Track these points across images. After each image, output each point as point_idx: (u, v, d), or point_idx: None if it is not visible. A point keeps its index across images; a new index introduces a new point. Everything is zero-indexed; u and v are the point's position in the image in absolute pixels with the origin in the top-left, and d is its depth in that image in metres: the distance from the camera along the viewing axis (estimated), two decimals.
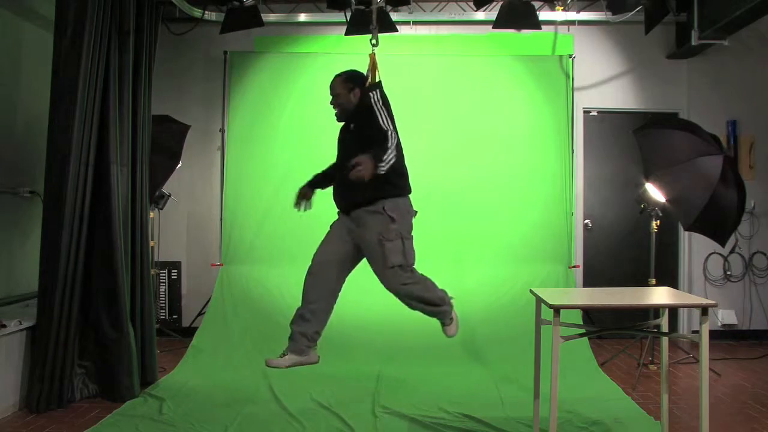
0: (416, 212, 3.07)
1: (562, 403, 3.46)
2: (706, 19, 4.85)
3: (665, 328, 2.91)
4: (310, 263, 3.08)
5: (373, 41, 3.24)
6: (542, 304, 2.69)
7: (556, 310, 2.45)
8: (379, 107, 2.94)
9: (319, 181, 3.29)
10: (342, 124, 3.20)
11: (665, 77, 5.62)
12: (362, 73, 3.17)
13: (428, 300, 3.04)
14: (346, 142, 3.13)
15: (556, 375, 2.45)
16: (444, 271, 4.99)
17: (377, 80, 3.12)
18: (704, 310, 2.49)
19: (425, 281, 3.06)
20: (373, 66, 3.13)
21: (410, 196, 3.07)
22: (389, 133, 2.84)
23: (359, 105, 3.05)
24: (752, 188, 5.06)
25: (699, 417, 2.53)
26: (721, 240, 4.04)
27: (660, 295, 2.84)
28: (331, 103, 3.16)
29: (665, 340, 2.97)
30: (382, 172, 2.72)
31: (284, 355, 3.06)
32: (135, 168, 4.05)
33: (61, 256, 3.53)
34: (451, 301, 3.16)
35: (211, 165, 5.63)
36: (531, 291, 2.91)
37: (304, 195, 3.26)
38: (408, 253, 2.94)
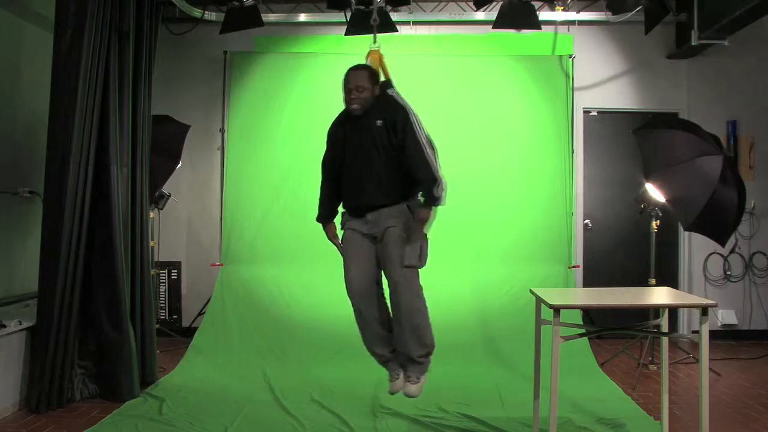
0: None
1: (562, 403, 3.46)
2: (706, 19, 4.85)
3: (665, 328, 2.91)
4: (350, 295, 2.94)
5: (374, 41, 3.24)
6: (542, 304, 2.69)
7: (556, 310, 2.45)
8: (416, 121, 2.88)
9: (330, 211, 3.15)
10: (344, 117, 3.04)
11: (665, 77, 5.61)
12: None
13: (422, 327, 2.88)
14: (368, 138, 2.92)
15: (557, 375, 2.44)
16: (443, 271, 5.02)
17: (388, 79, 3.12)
18: (704, 310, 2.48)
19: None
20: (381, 62, 3.11)
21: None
22: (433, 157, 2.87)
23: (382, 101, 2.96)
24: (752, 188, 5.06)
25: (699, 417, 2.53)
26: (721, 240, 4.04)
27: (659, 295, 2.84)
28: (351, 97, 2.91)
29: (665, 340, 2.97)
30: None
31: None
32: (135, 168, 4.05)
33: (61, 256, 3.53)
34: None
35: (211, 165, 5.62)
36: (531, 291, 2.91)
37: (334, 235, 3.12)
38: (423, 256, 2.89)
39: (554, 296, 2.68)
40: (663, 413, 2.98)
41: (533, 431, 3.10)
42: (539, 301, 2.78)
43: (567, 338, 2.56)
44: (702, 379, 2.47)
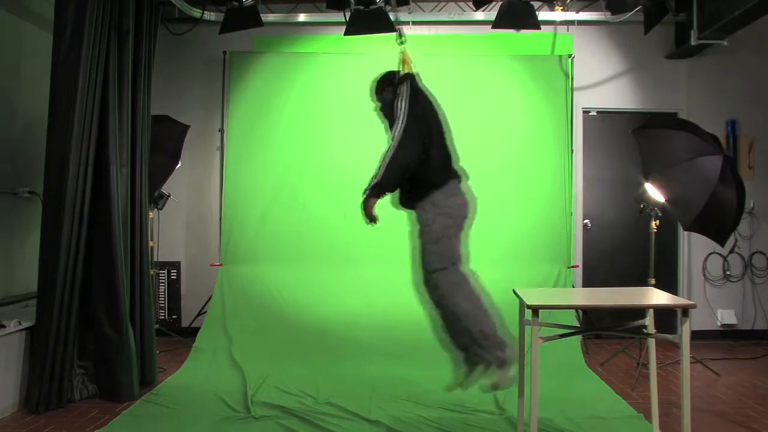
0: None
1: (549, 404, 3.48)
2: (706, 19, 4.85)
3: (651, 329, 2.91)
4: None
5: (401, 40, 3.40)
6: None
7: (535, 310, 2.46)
8: (399, 104, 3.06)
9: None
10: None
11: (664, 77, 5.62)
12: (393, 72, 3.26)
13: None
14: None
15: (536, 376, 2.44)
16: None
17: (408, 72, 3.23)
18: (684, 311, 2.47)
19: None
20: (402, 61, 3.27)
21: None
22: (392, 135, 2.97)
23: (391, 101, 3.12)
24: (751, 188, 5.06)
25: (681, 418, 2.52)
26: (721, 240, 4.04)
27: (643, 296, 2.83)
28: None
29: (652, 341, 2.99)
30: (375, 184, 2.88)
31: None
32: (134, 168, 4.05)
33: (60, 257, 3.53)
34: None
35: (211, 165, 5.63)
36: (514, 291, 2.91)
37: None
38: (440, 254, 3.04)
39: (535, 296, 2.67)
40: (653, 412, 2.98)
41: (518, 430, 3.09)
42: (521, 300, 2.79)
43: (547, 339, 2.57)
44: (683, 380, 2.44)
